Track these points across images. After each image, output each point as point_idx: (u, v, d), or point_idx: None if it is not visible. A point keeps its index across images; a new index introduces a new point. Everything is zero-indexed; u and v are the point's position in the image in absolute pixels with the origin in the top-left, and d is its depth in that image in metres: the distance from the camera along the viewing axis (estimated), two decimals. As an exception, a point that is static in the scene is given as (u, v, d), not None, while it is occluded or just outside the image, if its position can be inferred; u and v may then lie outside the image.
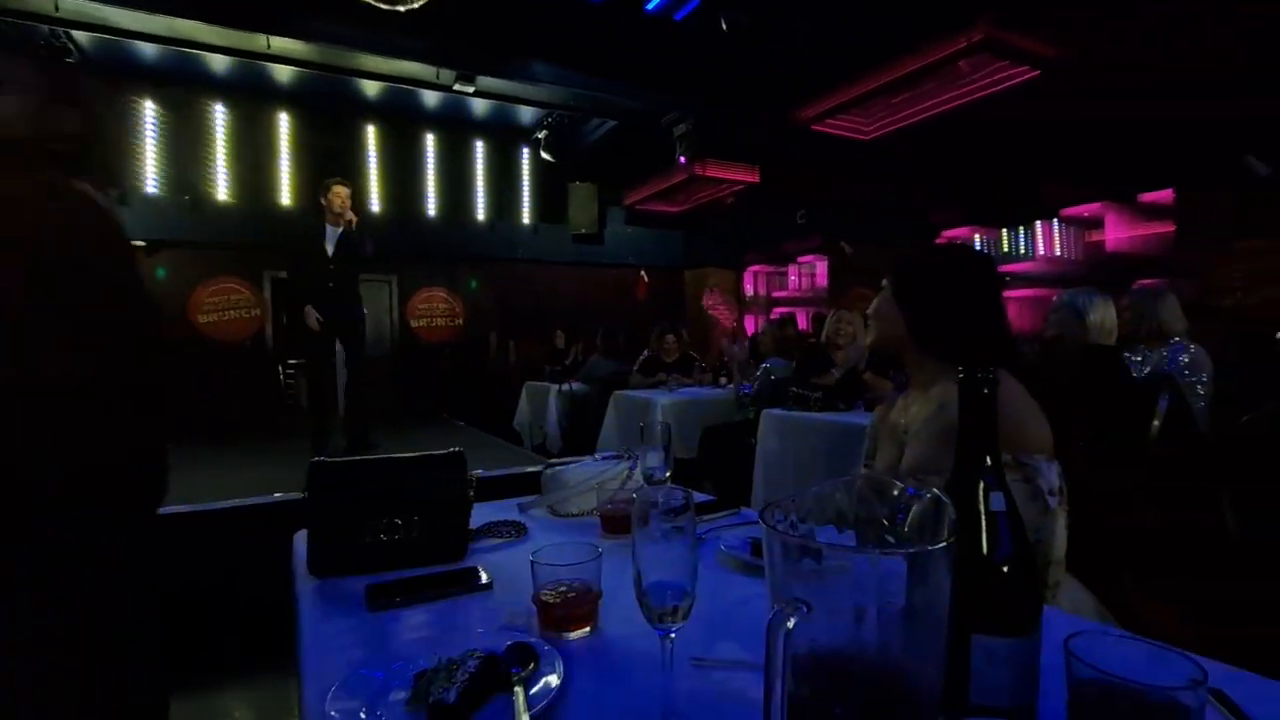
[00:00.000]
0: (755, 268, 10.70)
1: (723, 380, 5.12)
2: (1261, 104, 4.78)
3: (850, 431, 2.81)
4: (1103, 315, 2.85)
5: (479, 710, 0.61)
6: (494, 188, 8.81)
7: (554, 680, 0.65)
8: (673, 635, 0.60)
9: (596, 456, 1.42)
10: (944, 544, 0.44)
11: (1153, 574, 1.22)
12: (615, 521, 1.17)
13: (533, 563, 0.82)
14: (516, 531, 1.22)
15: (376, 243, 4.55)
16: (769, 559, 0.49)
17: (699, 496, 1.42)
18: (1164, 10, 4.46)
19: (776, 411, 3.25)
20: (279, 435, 6.00)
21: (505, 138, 8.75)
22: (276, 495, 3.08)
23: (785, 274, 10.68)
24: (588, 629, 0.81)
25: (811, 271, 10.13)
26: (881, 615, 0.45)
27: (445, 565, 1.04)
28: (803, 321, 8.98)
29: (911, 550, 0.44)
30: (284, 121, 7.44)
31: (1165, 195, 6.06)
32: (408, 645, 0.73)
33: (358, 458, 1.07)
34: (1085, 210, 7.36)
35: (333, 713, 0.59)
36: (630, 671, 0.72)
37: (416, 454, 1.10)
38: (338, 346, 4.53)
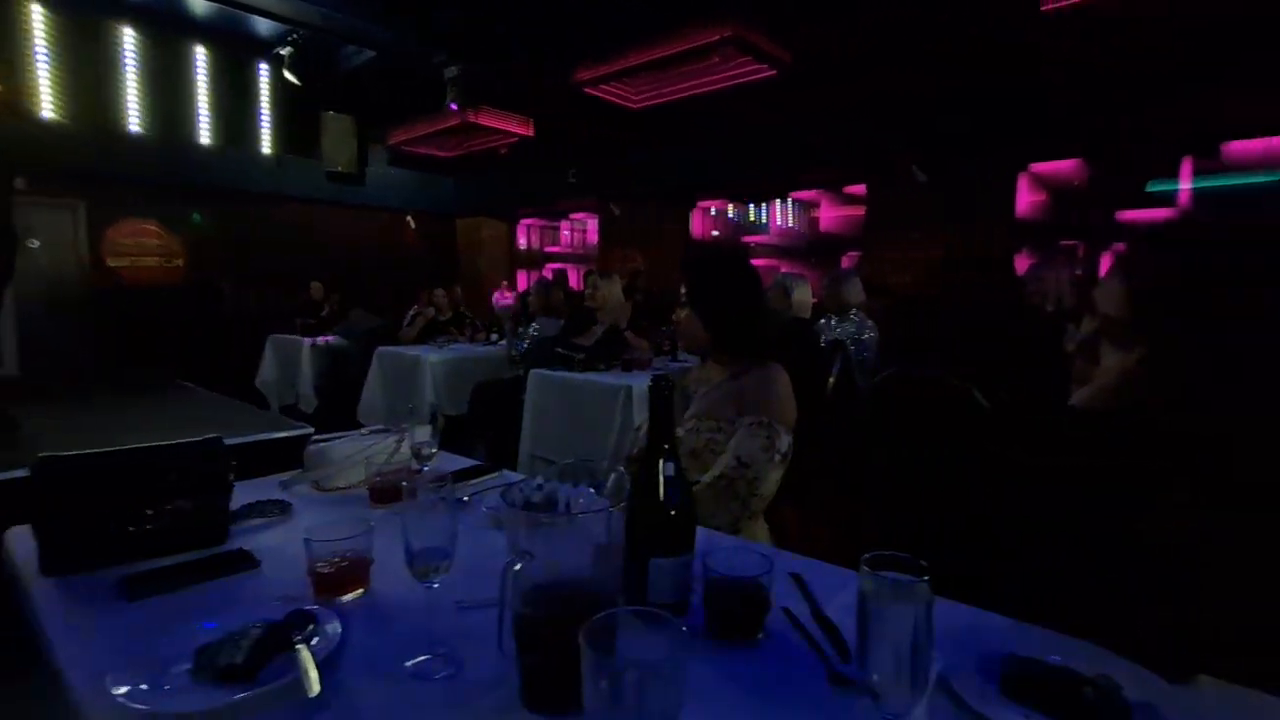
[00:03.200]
0: (529, 221, 10.76)
1: (494, 337, 5.22)
2: (929, 124, 6.16)
3: (608, 391, 3.16)
4: (803, 294, 3.57)
5: (266, 667, 0.72)
6: (221, 106, 7.50)
7: (333, 635, 0.78)
8: (435, 585, 0.77)
9: (364, 431, 1.49)
10: (619, 506, 0.68)
11: (810, 500, 1.69)
12: (384, 493, 1.28)
13: (307, 541, 0.91)
14: (281, 510, 1.26)
15: None
16: (507, 522, 0.69)
17: (462, 462, 1.58)
18: (869, 40, 5.45)
19: (543, 371, 3.49)
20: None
21: (235, 48, 7.45)
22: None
23: (558, 229, 10.92)
24: (360, 591, 0.94)
25: (583, 229, 10.52)
26: (579, 553, 0.68)
27: (207, 550, 1.07)
28: (574, 278, 9.35)
29: (596, 510, 0.67)
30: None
31: (860, 188, 7.50)
32: (182, 626, 0.78)
33: (98, 450, 1.02)
34: (807, 195, 8.73)
35: (117, 693, 0.66)
36: (400, 619, 0.88)
37: (167, 443, 1.08)
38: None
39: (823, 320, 3.84)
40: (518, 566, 0.63)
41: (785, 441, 1.41)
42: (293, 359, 5.52)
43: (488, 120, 7.20)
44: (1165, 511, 0.76)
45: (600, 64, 6.21)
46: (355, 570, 0.94)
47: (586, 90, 6.59)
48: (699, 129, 7.56)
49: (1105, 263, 6.14)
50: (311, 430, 2.33)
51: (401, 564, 0.79)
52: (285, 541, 1.12)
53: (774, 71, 5.91)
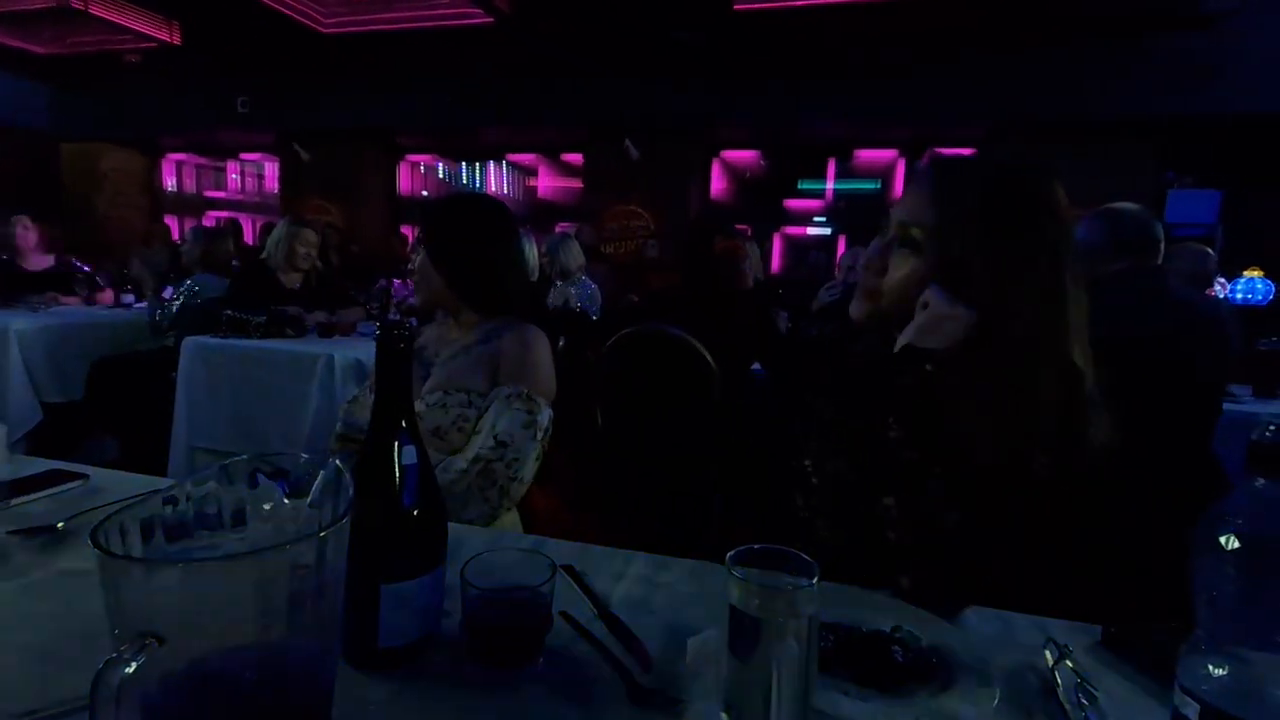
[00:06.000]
0: (179, 156, 8.55)
1: (126, 298, 3.97)
2: (638, 98, 6.44)
3: (302, 362, 2.59)
4: (532, 254, 3.40)
5: None
6: None
7: None
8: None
9: None
10: (339, 524, 0.42)
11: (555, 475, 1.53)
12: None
13: None
14: None
15: None
16: (107, 585, 0.38)
17: (33, 464, 1.05)
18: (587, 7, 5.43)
19: (206, 339, 2.72)
20: None
21: None
22: None
23: (224, 170, 8.91)
24: None
25: (259, 172, 8.74)
26: (264, 615, 0.40)
27: None
28: (249, 231, 7.73)
29: (295, 539, 0.40)
30: None
31: (578, 158, 7.60)
32: None
33: None
34: (526, 158, 8.55)
35: None
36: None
37: None
38: None
39: (558, 284, 3.75)
40: (129, 669, 0.33)
41: (546, 415, 1.22)
42: None
43: (103, 11, 5.41)
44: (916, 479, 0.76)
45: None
46: None
47: (258, -3, 5.38)
48: (405, 72, 6.79)
49: (776, 243, 7.27)
50: None
51: None
52: None
53: (491, 19, 5.56)
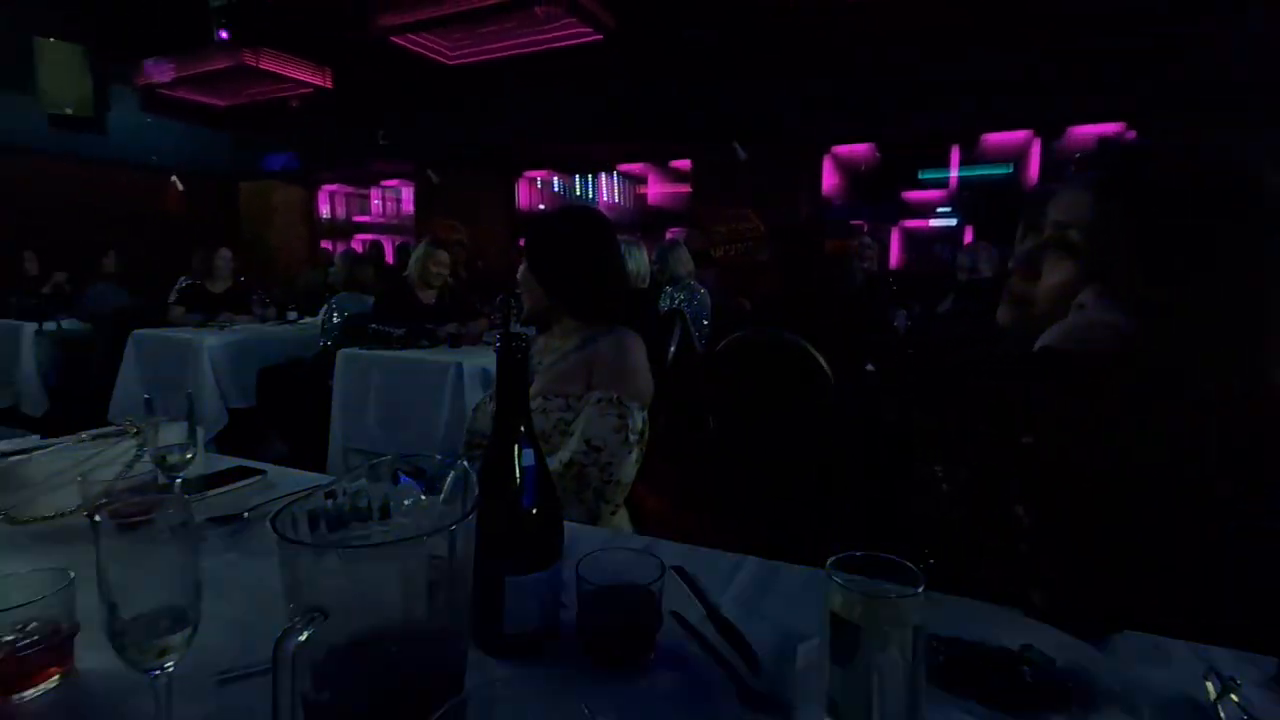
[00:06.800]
0: (332, 187, 9.57)
1: (291, 314, 4.49)
2: (745, 98, 6.38)
3: (434, 371, 2.81)
4: (637, 263, 3.47)
5: None
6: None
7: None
8: (168, 668, 0.49)
9: (83, 436, 1.07)
10: (467, 519, 0.46)
11: (658, 479, 1.56)
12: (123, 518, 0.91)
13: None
14: (-67, 560, 0.84)
15: None
16: (282, 564, 0.44)
17: (220, 461, 1.22)
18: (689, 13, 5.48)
19: (356, 351, 3.03)
20: None
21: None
22: None
23: (368, 197, 9.85)
24: (56, 678, 0.62)
25: (397, 197, 9.59)
26: (407, 597, 0.45)
27: None
28: (389, 250, 8.50)
29: (432, 532, 0.45)
30: None
31: (686, 163, 7.65)
32: None
33: None
34: (635, 168, 8.73)
35: None
36: (127, 712, 0.58)
37: None
38: None
39: (668, 290, 3.80)
40: (302, 638, 0.39)
41: (639, 419, 1.24)
42: (9, 348, 4.31)
43: (271, 64, 6.17)
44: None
45: (407, 10, 5.58)
46: (48, 650, 0.61)
47: (394, 40, 5.91)
48: (522, 94, 7.17)
49: (894, 238, 6.91)
50: (36, 439, 1.74)
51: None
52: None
53: (599, 35, 5.73)
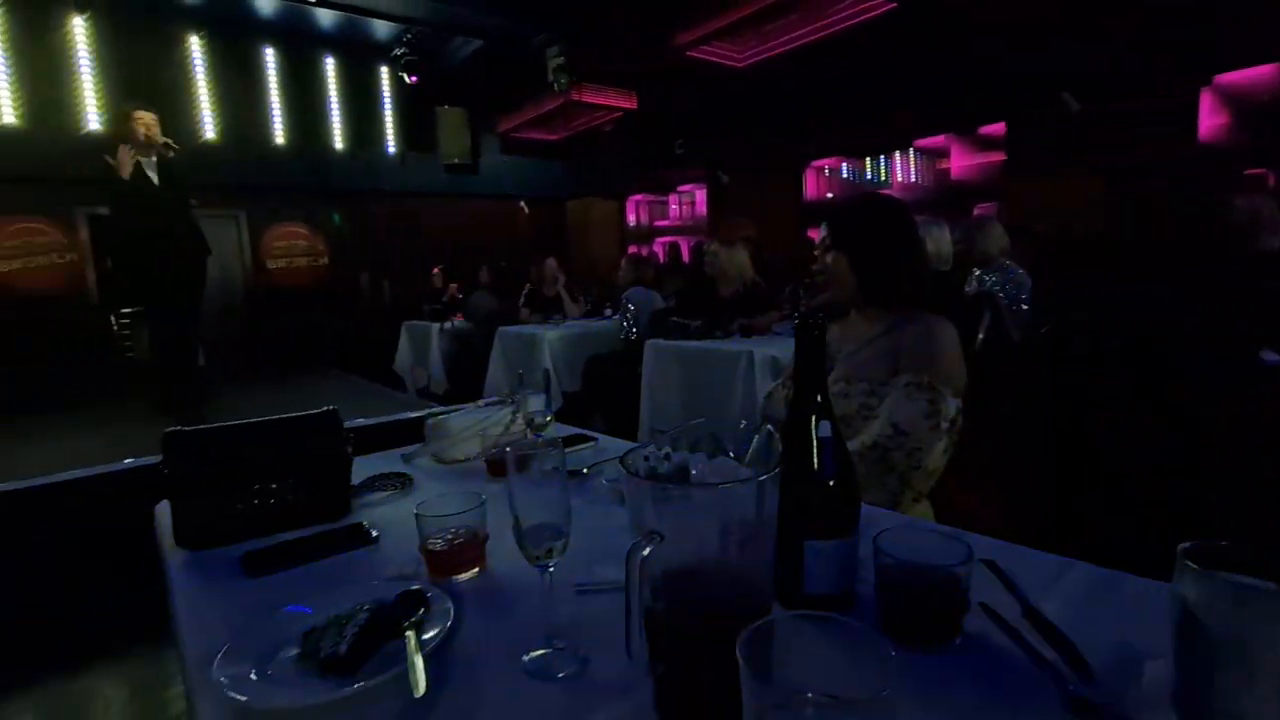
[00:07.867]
0: (637, 197, 10.68)
1: (607, 311, 5.19)
2: (1076, 48, 5.33)
3: (728, 358, 2.99)
4: (938, 243, 3.18)
5: (372, 658, 0.64)
6: (351, 112, 8.00)
7: (445, 620, 0.70)
8: (551, 569, 0.66)
9: (480, 403, 1.44)
10: (773, 473, 0.52)
11: (968, 471, 1.44)
12: (500, 465, 1.21)
13: (417, 515, 0.84)
14: (402, 483, 1.23)
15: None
16: (629, 495, 0.56)
17: (563, 429, 1.49)
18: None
19: (660, 341, 3.38)
20: (117, 394, 5.48)
21: (359, 55, 7.90)
22: (127, 462, 2.82)
23: (666, 203, 10.76)
24: (476, 570, 0.86)
25: (691, 200, 10.28)
26: (723, 534, 0.53)
27: (328, 524, 1.04)
28: (685, 250, 9.17)
29: (744, 479, 0.52)
30: (79, 29, 6.26)
31: (998, 128, 6.68)
32: (295, 606, 0.74)
33: (220, 424, 1.02)
34: (934, 141, 7.93)
35: (221, 678, 0.60)
36: (518, 604, 0.78)
37: (286, 416, 1.06)
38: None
39: (976, 272, 3.42)
40: (646, 551, 0.50)
41: (953, 406, 1.17)
42: (424, 343, 5.81)
43: (591, 97, 7.16)
44: None
45: (701, 23, 5.94)
46: (469, 548, 0.86)
47: (689, 54, 6.35)
48: (808, 84, 7.06)
49: (1329, 185, 5.04)
50: (441, 409, 2.37)
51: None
52: (407, 516, 1.08)
53: (894, 3, 5.36)
